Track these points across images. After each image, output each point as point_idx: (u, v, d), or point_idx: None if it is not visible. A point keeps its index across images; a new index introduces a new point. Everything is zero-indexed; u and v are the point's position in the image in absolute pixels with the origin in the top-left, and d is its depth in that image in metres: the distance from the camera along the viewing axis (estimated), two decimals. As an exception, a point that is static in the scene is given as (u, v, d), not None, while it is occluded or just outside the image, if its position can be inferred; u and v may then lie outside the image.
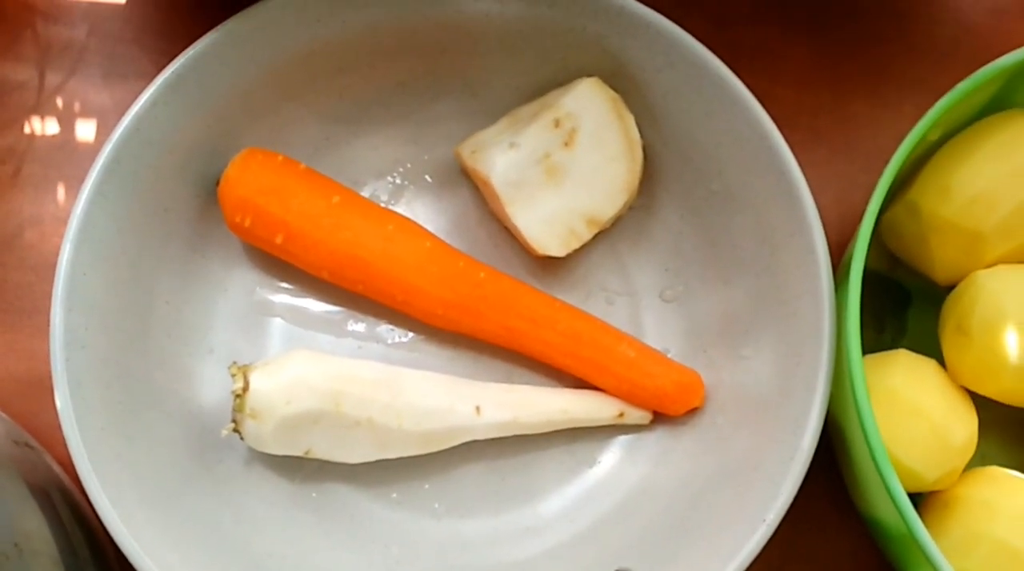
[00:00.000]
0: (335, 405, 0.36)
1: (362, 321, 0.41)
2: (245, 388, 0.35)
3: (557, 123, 0.39)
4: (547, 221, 0.39)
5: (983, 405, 0.37)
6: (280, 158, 0.39)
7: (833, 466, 0.39)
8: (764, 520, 0.33)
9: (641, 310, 0.41)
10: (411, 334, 0.41)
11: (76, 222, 0.35)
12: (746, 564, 0.32)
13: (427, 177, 0.43)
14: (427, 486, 0.39)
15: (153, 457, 0.36)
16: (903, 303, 0.42)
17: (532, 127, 0.38)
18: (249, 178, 0.38)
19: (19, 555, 0.28)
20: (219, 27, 0.37)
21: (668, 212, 0.41)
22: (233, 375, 0.36)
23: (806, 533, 0.40)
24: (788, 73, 0.46)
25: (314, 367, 0.36)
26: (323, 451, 0.37)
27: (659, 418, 0.40)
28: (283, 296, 0.41)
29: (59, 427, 0.34)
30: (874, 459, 0.31)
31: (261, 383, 0.35)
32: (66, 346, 0.34)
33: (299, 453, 0.37)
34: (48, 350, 0.34)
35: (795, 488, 0.33)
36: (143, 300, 0.38)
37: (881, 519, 0.34)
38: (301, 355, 0.37)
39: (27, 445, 0.35)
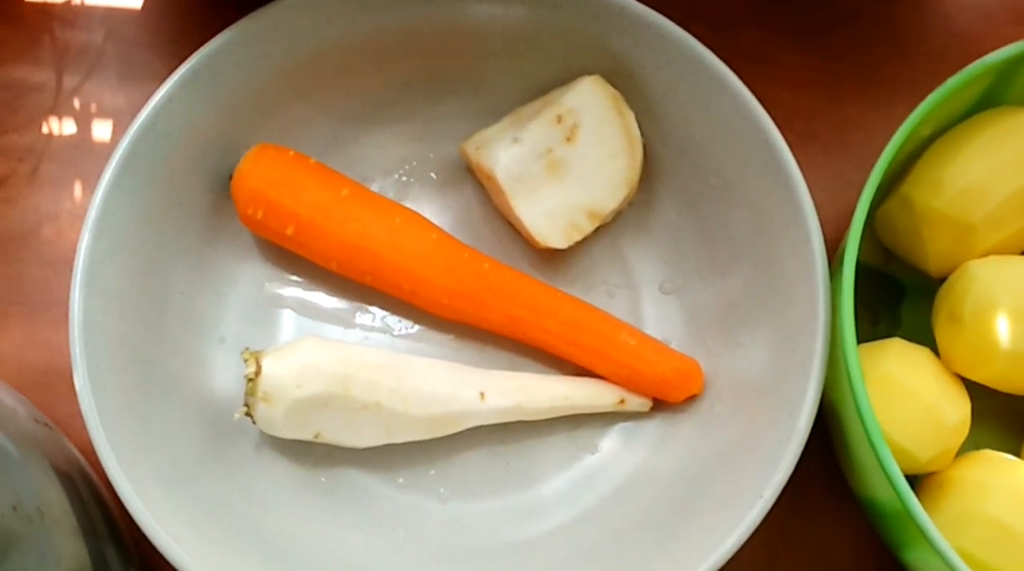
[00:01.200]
0: (344, 389, 0.37)
1: (369, 313, 0.42)
2: (257, 372, 0.36)
3: (559, 119, 0.40)
4: (549, 214, 0.40)
5: (977, 395, 0.37)
6: (291, 153, 0.40)
7: (829, 451, 0.40)
8: (761, 496, 0.33)
9: (641, 302, 0.42)
10: (417, 326, 0.42)
11: (95, 211, 0.36)
12: (743, 539, 0.33)
13: (432, 174, 0.44)
14: (432, 471, 0.40)
15: (168, 440, 0.37)
16: (897, 297, 0.43)
17: (535, 123, 0.40)
18: (261, 171, 0.39)
19: (41, 520, 0.29)
20: (233, 26, 0.38)
21: (667, 207, 0.43)
22: (246, 360, 0.37)
23: (803, 515, 0.41)
24: (784, 76, 0.47)
25: (324, 352, 0.37)
26: (332, 435, 0.38)
27: (658, 405, 0.40)
28: (292, 289, 0.43)
29: (76, 415, 0.35)
30: (869, 437, 0.32)
31: (273, 367, 0.36)
32: (85, 329, 0.35)
33: (309, 437, 0.38)
34: (65, 341, 0.35)
35: (791, 467, 0.34)
36: (158, 289, 0.39)
37: (877, 499, 0.35)
38: (311, 341, 0.38)
39: (47, 425, 0.36)
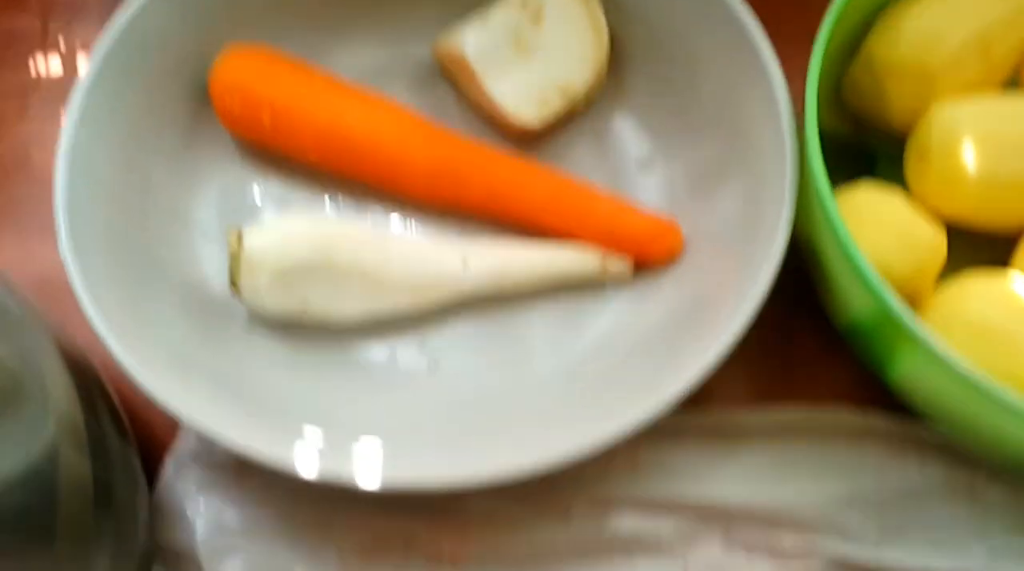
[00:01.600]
0: (327, 256, 0.37)
1: (349, 208, 0.43)
2: (240, 245, 0.37)
3: (524, 3, 0.41)
4: (521, 91, 0.41)
5: (955, 248, 0.38)
6: (266, 48, 0.41)
7: (814, 302, 0.40)
8: (741, 311, 0.34)
9: (620, 183, 0.43)
10: (397, 216, 0.43)
11: (79, 98, 0.38)
12: (726, 349, 0.34)
13: (406, 78, 0.45)
14: (421, 345, 0.41)
15: (158, 318, 0.38)
16: (870, 166, 0.44)
17: (499, 7, 0.41)
18: (238, 63, 0.41)
19: (34, 360, 0.29)
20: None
21: (639, 91, 0.44)
22: (229, 236, 0.38)
23: (791, 361, 0.42)
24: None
25: (307, 224, 0.38)
26: (317, 304, 0.38)
27: (638, 273, 0.41)
28: (271, 189, 0.43)
29: (69, 324, 0.35)
30: (843, 249, 0.33)
31: (256, 239, 0.37)
32: (69, 205, 0.36)
33: (294, 307, 0.38)
34: (56, 254, 0.36)
35: (768, 282, 0.34)
36: (140, 184, 0.40)
37: (859, 318, 0.35)
38: (294, 217, 0.38)
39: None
